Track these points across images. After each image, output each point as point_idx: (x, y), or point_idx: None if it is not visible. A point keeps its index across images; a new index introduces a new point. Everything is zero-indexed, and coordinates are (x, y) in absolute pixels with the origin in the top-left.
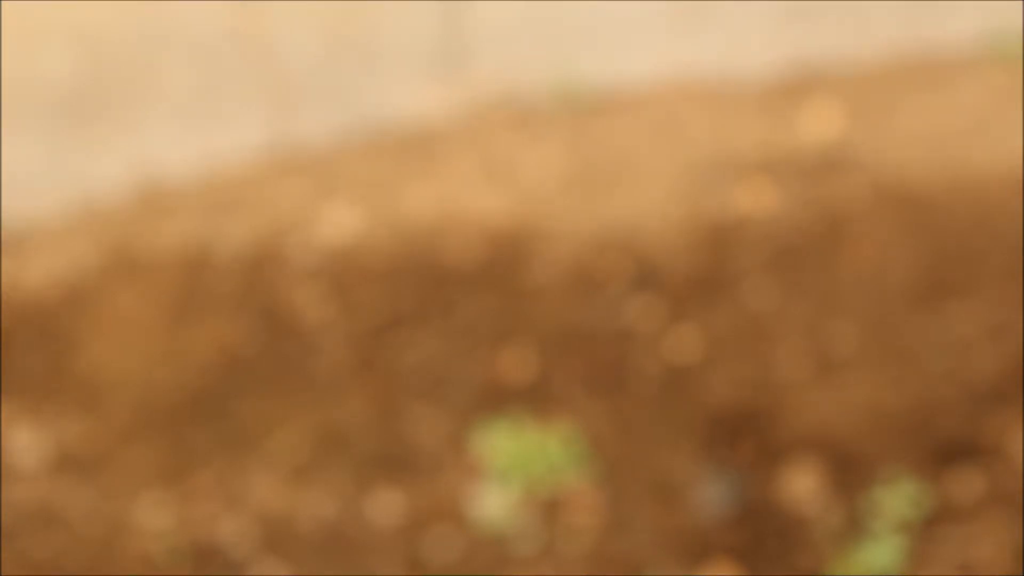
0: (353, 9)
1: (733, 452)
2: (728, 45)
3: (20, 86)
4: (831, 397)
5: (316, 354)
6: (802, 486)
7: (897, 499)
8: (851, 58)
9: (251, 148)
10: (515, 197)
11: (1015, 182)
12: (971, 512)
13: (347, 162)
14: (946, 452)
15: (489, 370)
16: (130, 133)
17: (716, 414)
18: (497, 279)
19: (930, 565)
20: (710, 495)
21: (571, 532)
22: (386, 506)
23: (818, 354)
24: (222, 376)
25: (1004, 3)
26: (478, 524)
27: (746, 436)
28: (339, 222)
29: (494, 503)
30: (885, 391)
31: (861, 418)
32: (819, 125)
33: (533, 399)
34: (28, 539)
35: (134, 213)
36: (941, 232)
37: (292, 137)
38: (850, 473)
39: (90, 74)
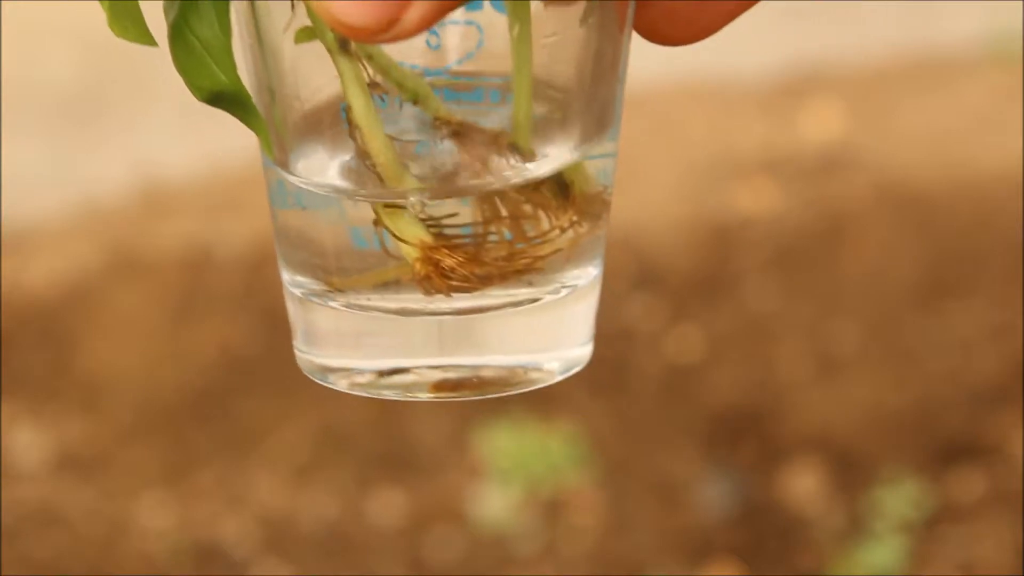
0: None
1: (735, 452)
2: (728, 45)
3: (20, 86)
4: (833, 397)
5: None
6: (803, 486)
7: (899, 499)
8: (851, 58)
9: (251, 148)
10: None
11: (1015, 182)
12: (973, 512)
13: None
14: (948, 452)
15: None
16: (130, 133)
17: (718, 414)
18: None
19: (932, 565)
20: (712, 495)
21: (572, 532)
22: (387, 506)
23: (819, 354)
24: (222, 376)
25: (1004, 3)
26: (479, 524)
27: (748, 436)
28: None
29: (495, 503)
30: (887, 391)
31: (863, 418)
32: (820, 125)
33: (534, 399)
34: (28, 539)
35: (134, 213)
36: (942, 232)
37: None
38: (851, 473)
39: (90, 74)
